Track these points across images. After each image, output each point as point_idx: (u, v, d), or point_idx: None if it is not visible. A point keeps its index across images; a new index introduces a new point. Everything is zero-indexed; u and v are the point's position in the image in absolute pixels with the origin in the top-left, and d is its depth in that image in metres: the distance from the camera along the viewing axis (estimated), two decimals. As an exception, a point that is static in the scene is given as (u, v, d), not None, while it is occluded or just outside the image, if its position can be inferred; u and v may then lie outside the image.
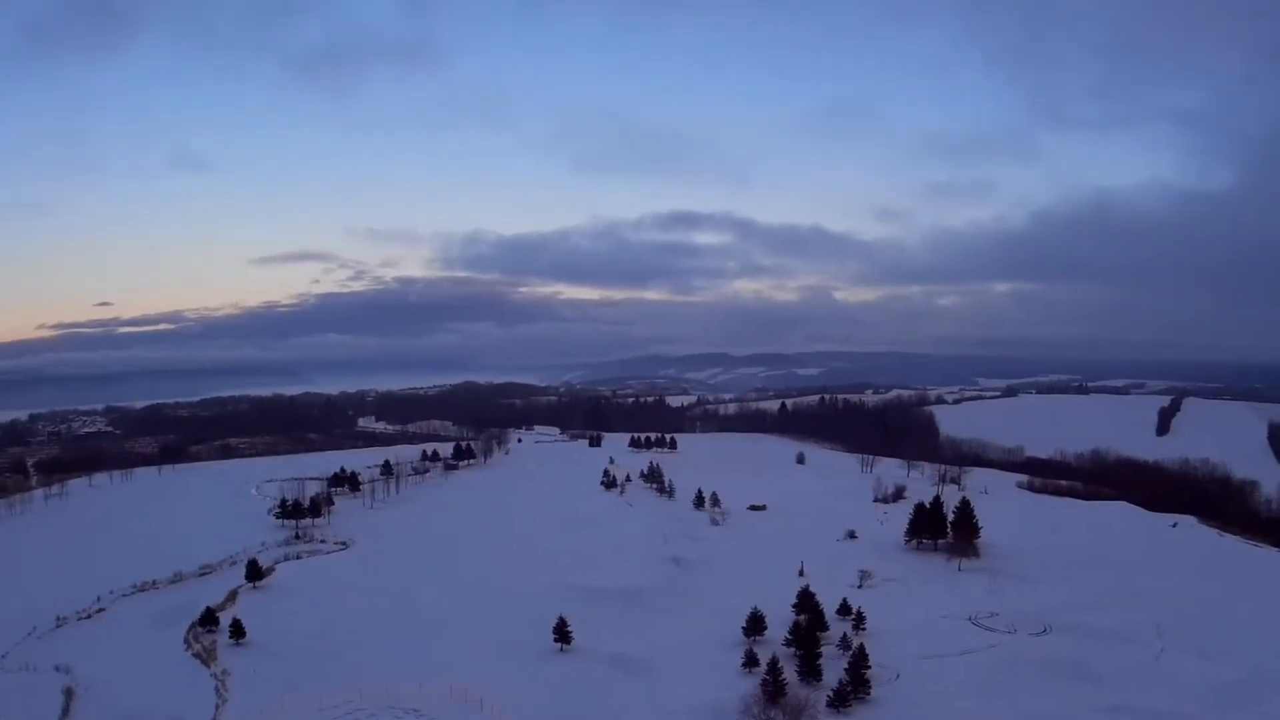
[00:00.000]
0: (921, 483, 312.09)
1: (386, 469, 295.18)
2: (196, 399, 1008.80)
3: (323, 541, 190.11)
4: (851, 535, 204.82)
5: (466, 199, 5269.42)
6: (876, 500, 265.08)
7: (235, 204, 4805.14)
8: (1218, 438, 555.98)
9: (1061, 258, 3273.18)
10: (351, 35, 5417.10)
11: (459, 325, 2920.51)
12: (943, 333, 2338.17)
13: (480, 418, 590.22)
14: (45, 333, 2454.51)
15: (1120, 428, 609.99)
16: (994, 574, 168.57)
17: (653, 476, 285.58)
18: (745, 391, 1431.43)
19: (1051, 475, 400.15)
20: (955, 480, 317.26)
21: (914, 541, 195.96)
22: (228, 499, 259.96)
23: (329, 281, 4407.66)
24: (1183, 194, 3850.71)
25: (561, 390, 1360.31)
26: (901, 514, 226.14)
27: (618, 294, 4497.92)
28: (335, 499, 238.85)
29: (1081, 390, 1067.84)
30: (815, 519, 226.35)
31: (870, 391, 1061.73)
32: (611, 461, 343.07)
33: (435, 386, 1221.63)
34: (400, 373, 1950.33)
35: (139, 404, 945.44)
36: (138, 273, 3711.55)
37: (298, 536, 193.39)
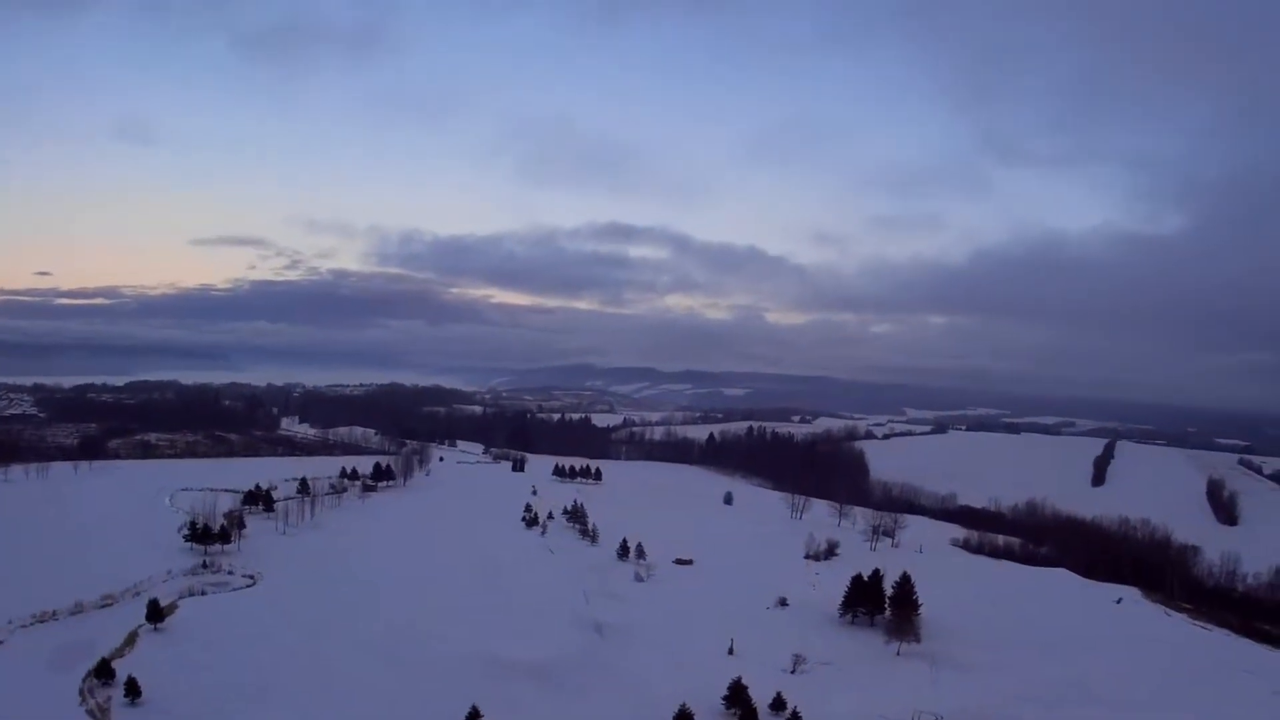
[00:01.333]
0: (853, 535, 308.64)
1: (303, 487, 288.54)
2: (124, 382, 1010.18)
3: (230, 573, 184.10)
4: (783, 603, 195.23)
5: (406, 195, 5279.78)
6: (808, 557, 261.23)
7: (177, 182, 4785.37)
8: (1155, 491, 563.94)
9: (1001, 294, 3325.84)
10: (303, 17, 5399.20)
11: (390, 321, 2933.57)
12: (873, 361, 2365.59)
13: (403, 427, 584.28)
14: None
15: (1053, 474, 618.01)
16: (935, 660, 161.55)
17: (576, 516, 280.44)
18: (671, 409, 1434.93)
19: (986, 527, 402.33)
20: (889, 533, 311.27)
21: (849, 615, 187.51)
22: (141, 509, 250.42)
23: (264, 268, 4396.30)
24: (1129, 237, 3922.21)
25: (487, 396, 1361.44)
26: (834, 574, 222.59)
27: (550, 301, 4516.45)
28: (248, 520, 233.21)
29: (1012, 429, 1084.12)
30: (744, 577, 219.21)
31: (797, 419, 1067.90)
32: (534, 492, 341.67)
33: (361, 386, 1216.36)
34: (328, 366, 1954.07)
35: (67, 383, 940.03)
36: (78, 244, 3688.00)
37: (205, 565, 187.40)
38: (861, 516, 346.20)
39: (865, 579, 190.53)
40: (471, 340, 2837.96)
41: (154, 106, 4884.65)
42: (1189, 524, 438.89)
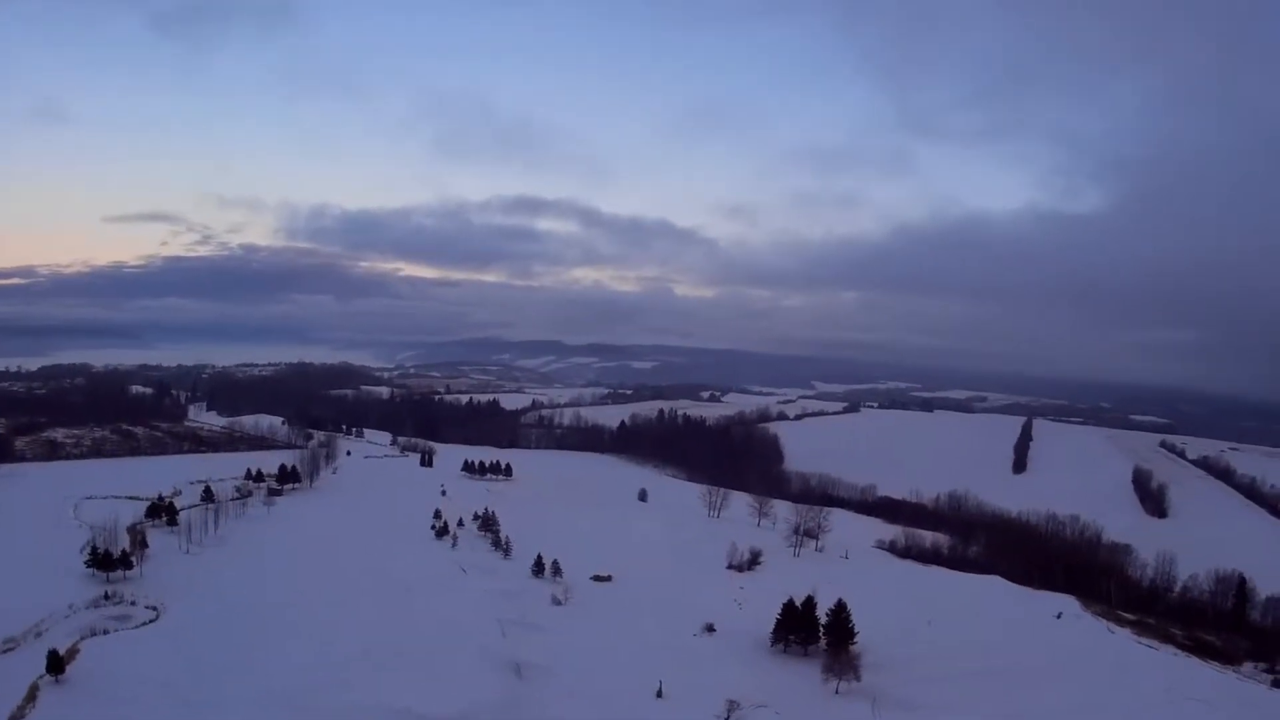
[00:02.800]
0: (775, 538, 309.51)
1: (208, 495, 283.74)
2: (39, 366, 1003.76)
3: (133, 603, 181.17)
4: (710, 629, 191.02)
5: (316, 170, 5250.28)
6: (730, 567, 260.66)
7: (90, 159, 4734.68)
8: (1078, 478, 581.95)
9: (915, 270, 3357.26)
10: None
11: (299, 296, 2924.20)
12: (784, 334, 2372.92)
13: (310, 416, 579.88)
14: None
15: (972, 458, 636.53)
16: (877, 699, 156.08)
17: (487, 524, 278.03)
18: (578, 383, 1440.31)
19: (909, 521, 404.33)
20: (812, 535, 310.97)
21: (781, 644, 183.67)
22: (44, 525, 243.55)
23: (176, 244, 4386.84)
24: (1046, 214, 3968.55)
25: (395, 373, 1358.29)
26: (759, 588, 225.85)
27: (457, 274, 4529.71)
28: (151, 535, 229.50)
29: (925, 406, 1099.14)
30: (666, 595, 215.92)
31: (707, 396, 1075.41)
32: (443, 493, 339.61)
33: (271, 365, 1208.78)
34: (240, 341, 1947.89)
35: None
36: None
37: (107, 597, 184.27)
38: (782, 513, 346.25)
39: (797, 606, 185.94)
40: (380, 314, 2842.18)
41: (67, 85, 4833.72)
42: (1117, 516, 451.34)
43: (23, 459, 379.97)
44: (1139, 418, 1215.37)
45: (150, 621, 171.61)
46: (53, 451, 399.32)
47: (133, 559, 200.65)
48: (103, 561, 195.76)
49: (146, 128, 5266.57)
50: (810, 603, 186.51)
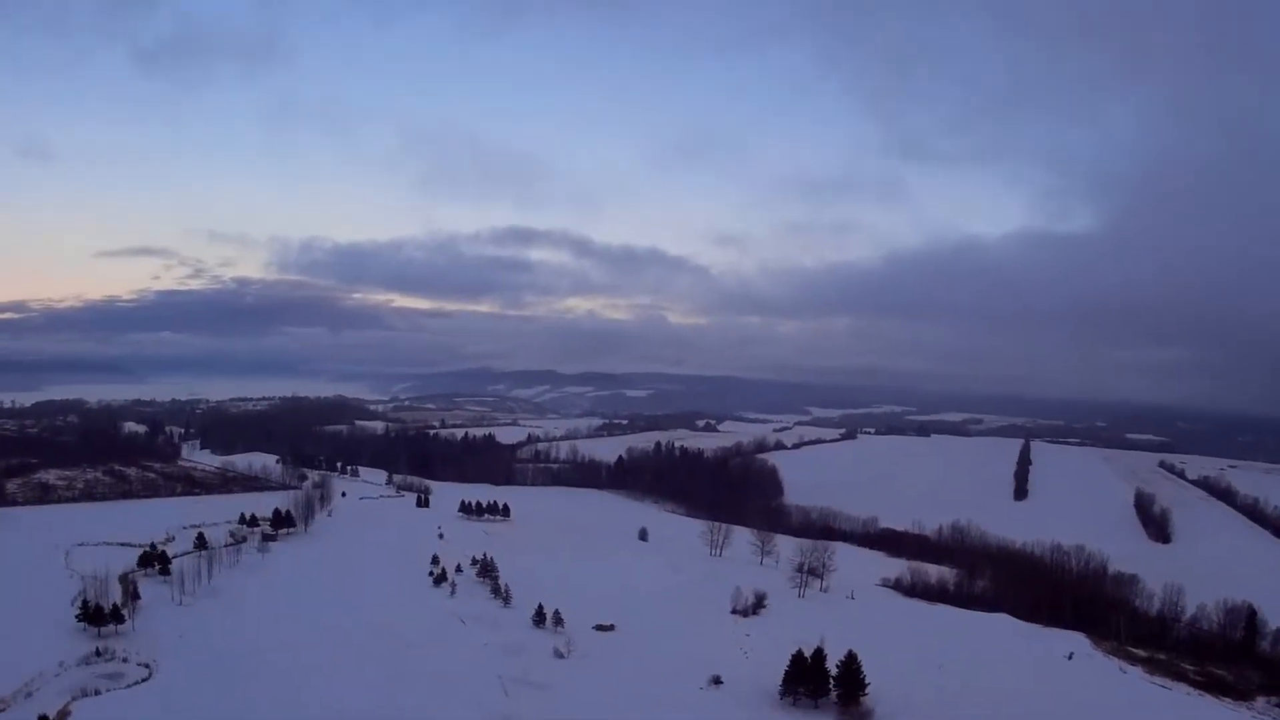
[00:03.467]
0: (778, 577, 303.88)
1: (201, 542, 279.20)
2: (32, 402, 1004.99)
3: (125, 660, 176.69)
4: (717, 681, 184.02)
5: (305, 204, 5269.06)
6: (735, 611, 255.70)
7: (81, 195, 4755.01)
8: (1079, 504, 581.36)
9: (908, 295, 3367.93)
10: (200, 28, 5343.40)
11: (292, 329, 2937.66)
12: (777, 360, 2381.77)
13: (304, 455, 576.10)
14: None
15: (972, 485, 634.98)
16: None
17: (486, 570, 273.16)
18: (574, 413, 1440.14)
19: (912, 554, 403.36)
20: (817, 574, 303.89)
21: (791, 696, 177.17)
22: (35, 575, 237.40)
23: (169, 278, 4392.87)
24: (1038, 235, 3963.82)
25: (390, 406, 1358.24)
26: (765, 633, 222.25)
27: (450, 305, 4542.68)
28: (144, 586, 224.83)
29: (921, 431, 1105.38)
30: (670, 645, 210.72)
31: (702, 425, 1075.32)
32: (440, 535, 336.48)
33: (265, 399, 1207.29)
34: (233, 374, 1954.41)
35: None
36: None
37: (98, 653, 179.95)
38: (784, 549, 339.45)
39: (806, 658, 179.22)
40: (374, 346, 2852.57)
41: (54, 122, 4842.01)
42: (1121, 542, 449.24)
43: (14, 503, 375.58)
44: (1136, 436, 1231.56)
45: (142, 681, 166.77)
46: (44, 494, 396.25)
47: (124, 612, 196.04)
48: (94, 615, 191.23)
49: (135, 163, 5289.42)
50: (820, 654, 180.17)
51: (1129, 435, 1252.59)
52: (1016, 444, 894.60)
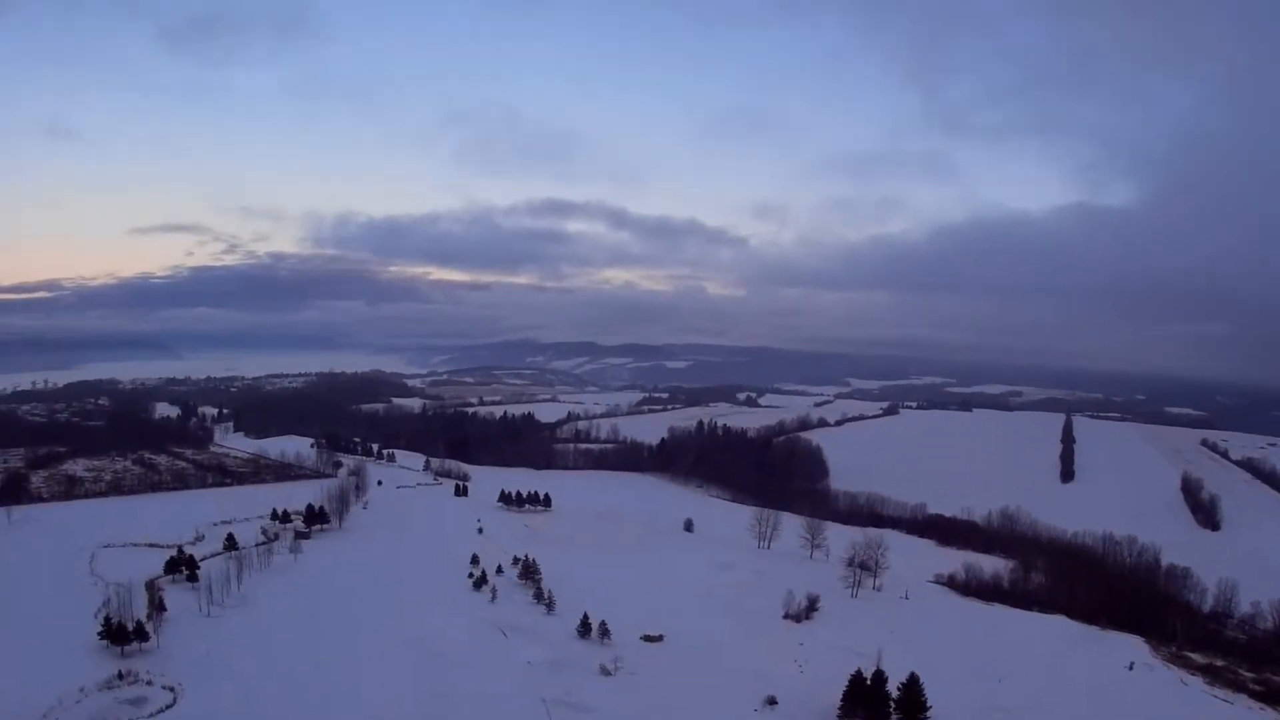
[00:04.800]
0: (829, 574, 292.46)
1: (231, 543, 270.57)
2: (65, 382, 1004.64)
3: (149, 683, 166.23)
4: (771, 701, 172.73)
5: (340, 179, 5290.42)
6: (787, 616, 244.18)
7: (112, 172, 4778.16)
8: (1126, 486, 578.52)
9: (947, 266, 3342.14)
10: (226, 5, 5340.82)
11: (329, 302, 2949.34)
12: (816, 332, 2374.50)
13: (339, 438, 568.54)
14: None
15: (1018, 463, 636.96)
16: None
17: (528, 572, 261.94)
18: (613, 385, 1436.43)
19: (962, 542, 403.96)
20: (869, 568, 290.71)
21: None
22: (57, 582, 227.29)
23: (203, 254, 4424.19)
24: (1079, 208, 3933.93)
25: (427, 380, 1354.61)
26: (818, 640, 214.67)
27: (487, 277, 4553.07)
28: (170, 593, 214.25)
29: (963, 405, 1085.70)
30: (721, 657, 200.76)
31: (743, 398, 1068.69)
32: (480, 530, 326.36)
33: (301, 376, 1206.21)
34: (270, 348, 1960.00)
35: (9, 384, 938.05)
36: (17, 239, 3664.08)
37: (121, 676, 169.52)
38: (834, 541, 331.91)
39: (865, 679, 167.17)
40: (411, 319, 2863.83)
41: (85, 101, 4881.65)
42: (1169, 529, 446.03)
43: (40, 499, 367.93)
44: (1175, 411, 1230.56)
45: (167, 707, 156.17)
46: (71, 489, 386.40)
47: (148, 628, 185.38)
48: (116, 633, 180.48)
49: (165, 141, 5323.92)
50: (880, 676, 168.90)
51: (1168, 409, 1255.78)
52: (1058, 419, 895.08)
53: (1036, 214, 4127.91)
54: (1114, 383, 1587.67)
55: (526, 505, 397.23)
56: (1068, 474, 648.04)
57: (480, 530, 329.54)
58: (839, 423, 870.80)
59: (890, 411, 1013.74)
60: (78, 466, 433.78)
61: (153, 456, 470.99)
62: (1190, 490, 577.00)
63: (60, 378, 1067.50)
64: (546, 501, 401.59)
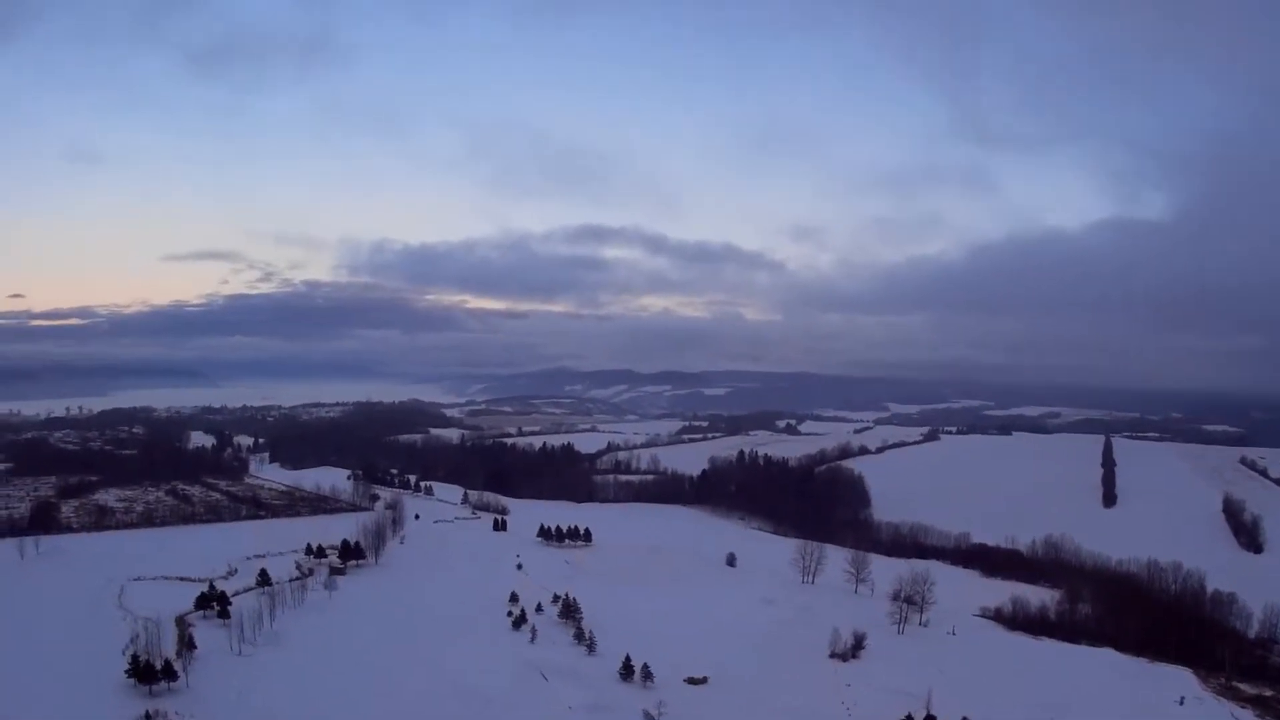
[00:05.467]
0: (875, 609, 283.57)
1: (264, 579, 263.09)
2: (99, 409, 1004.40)
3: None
4: None
5: (372, 206, 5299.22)
6: (833, 655, 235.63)
7: (141, 199, 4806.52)
8: (1167, 509, 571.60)
9: (981, 286, 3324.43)
10: (248, 30, 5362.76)
11: (365, 331, 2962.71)
12: (853, 356, 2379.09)
13: (376, 470, 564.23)
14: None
15: (1059, 487, 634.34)
16: None
17: (568, 611, 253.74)
18: (652, 413, 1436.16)
19: (1007, 572, 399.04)
20: (915, 602, 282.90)
21: None
22: (84, 617, 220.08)
23: (238, 282, 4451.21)
24: (1113, 223, 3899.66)
25: (465, 410, 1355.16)
26: (866, 681, 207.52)
27: (524, 305, 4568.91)
28: (201, 630, 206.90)
29: (1003, 429, 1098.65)
30: (768, 699, 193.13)
31: (782, 425, 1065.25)
32: (519, 566, 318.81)
33: (338, 405, 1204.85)
34: (306, 377, 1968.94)
35: (42, 410, 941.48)
36: (50, 265, 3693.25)
37: (149, 717, 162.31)
38: (878, 573, 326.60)
39: None
40: (449, 347, 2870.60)
41: (114, 127, 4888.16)
42: (1212, 552, 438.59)
43: (69, 529, 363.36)
44: (1211, 428, 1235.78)
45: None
46: (102, 519, 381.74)
47: (177, 667, 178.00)
48: (144, 672, 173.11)
49: (194, 167, 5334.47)
50: None
51: (1205, 427, 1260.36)
52: (1097, 441, 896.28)
53: (1073, 230, 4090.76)
54: (1150, 400, 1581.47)
55: (566, 540, 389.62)
56: (1109, 498, 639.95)
57: (520, 566, 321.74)
58: (880, 450, 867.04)
59: (930, 437, 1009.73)
60: (109, 496, 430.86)
61: (186, 487, 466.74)
62: (1232, 511, 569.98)
63: (94, 405, 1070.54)
64: (587, 536, 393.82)
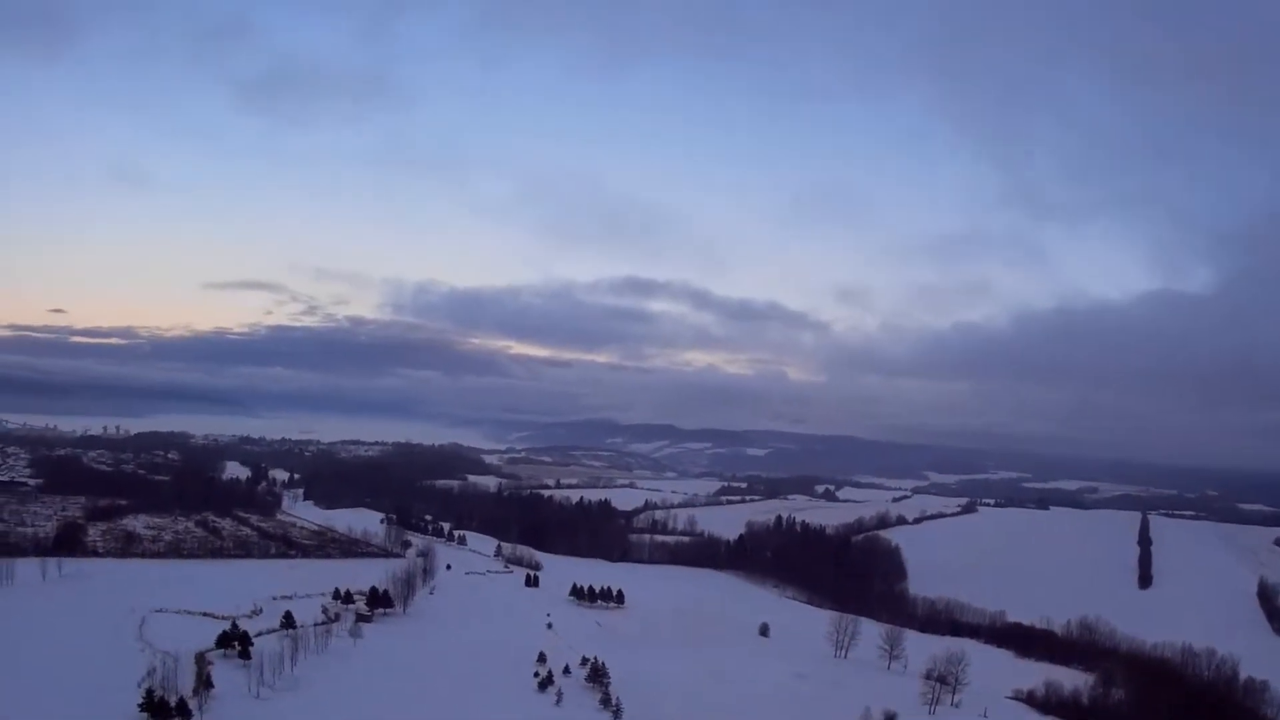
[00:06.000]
0: (908, 687, 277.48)
1: (288, 621, 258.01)
2: (136, 431, 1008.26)
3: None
4: None
5: (419, 247, 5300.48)
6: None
7: (189, 225, 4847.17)
8: (1203, 592, 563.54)
9: (1023, 355, 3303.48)
10: (304, 61, 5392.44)
11: (407, 371, 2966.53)
12: (896, 420, 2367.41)
13: (410, 515, 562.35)
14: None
15: (1096, 568, 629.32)
16: None
17: (596, 675, 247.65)
18: (691, 469, 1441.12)
19: (1041, 652, 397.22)
20: (948, 682, 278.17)
21: None
22: (102, 646, 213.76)
23: (281, 313, 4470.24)
24: (1158, 294, 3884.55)
25: (505, 457, 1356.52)
26: None
27: (568, 354, 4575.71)
28: (220, 669, 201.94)
29: (1040, 504, 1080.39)
30: None
31: (821, 491, 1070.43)
32: (549, 625, 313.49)
33: (376, 444, 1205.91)
34: (346, 413, 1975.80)
35: (79, 427, 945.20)
36: (92, 283, 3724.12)
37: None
38: (912, 649, 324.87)
39: None
40: (491, 391, 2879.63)
41: (163, 153, 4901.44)
42: (1245, 637, 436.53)
43: (95, 553, 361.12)
44: (1248, 507, 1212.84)
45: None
46: (128, 546, 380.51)
47: (192, 705, 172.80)
48: (158, 708, 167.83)
49: (243, 197, 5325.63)
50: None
51: (1241, 505, 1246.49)
52: (1134, 519, 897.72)
53: (1118, 302, 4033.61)
54: (1187, 476, 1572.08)
55: (599, 601, 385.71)
56: (1145, 579, 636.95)
57: (550, 625, 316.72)
58: (917, 520, 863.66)
59: (968, 509, 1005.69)
60: (138, 523, 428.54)
61: (217, 520, 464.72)
62: (1266, 596, 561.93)
63: (130, 426, 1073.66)
64: (619, 598, 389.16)
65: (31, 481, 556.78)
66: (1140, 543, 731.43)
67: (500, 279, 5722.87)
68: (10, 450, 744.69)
